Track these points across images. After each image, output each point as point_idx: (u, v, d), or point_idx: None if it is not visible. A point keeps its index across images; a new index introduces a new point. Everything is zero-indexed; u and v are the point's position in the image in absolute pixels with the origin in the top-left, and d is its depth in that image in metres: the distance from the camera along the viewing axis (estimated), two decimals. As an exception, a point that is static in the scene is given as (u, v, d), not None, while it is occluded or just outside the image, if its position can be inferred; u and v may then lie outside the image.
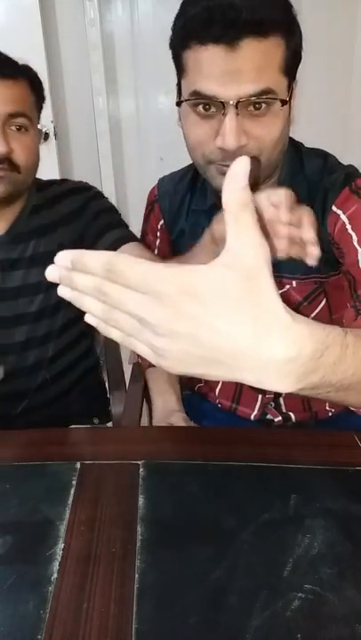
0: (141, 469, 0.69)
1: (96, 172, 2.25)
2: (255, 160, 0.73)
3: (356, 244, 0.76)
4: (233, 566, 0.54)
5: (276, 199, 0.60)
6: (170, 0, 0.71)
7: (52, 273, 0.41)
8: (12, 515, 0.63)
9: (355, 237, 0.76)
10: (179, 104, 0.75)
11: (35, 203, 0.98)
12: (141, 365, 1.14)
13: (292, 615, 0.49)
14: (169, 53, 0.75)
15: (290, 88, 0.73)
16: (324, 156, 0.85)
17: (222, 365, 0.38)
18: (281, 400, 0.97)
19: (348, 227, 0.77)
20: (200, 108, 0.71)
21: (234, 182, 0.36)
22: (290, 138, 0.82)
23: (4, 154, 0.86)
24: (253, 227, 0.36)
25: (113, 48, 2.13)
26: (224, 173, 0.75)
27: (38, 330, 1.01)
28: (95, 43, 2.06)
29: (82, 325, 1.07)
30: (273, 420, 0.99)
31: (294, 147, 0.86)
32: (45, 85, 0.95)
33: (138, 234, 1.03)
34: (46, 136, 1.93)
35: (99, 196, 1.05)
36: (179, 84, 0.76)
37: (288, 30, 0.69)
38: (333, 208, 0.79)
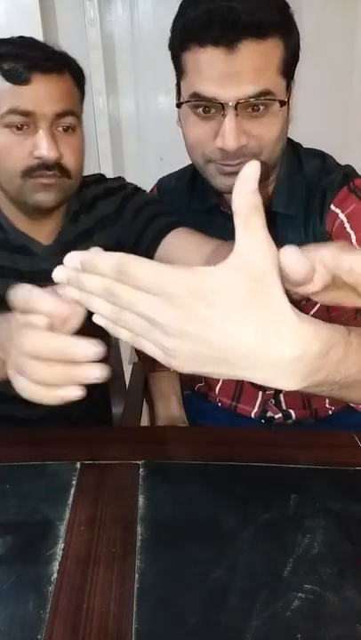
0: (141, 469, 0.69)
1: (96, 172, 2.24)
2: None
3: (354, 242, 0.76)
4: (233, 566, 0.54)
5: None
6: (170, 0, 0.71)
7: (59, 274, 0.41)
8: (11, 515, 0.63)
9: (353, 236, 0.77)
10: (179, 105, 0.76)
11: (75, 208, 0.89)
12: (141, 365, 1.14)
13: (292, 615, 0.49)
14: (169, 54, 0.75)
15: (288, 88, 0.73)
16: (322, 157, 0.86)
17: (230, 365, 0.38)
18: (281, 397, 0.97)
19: (347, 225, 0.77)
20: (200, 109, 0.71)
21: (245, 186, 0.36)
22: (288, 138, 0.83)
23: (55, 160, 0.75)
24: (262, 230, 0.36)
25: (113, 48, 2.13)
26: (223, 172, 0.76)
27: None
28: (95, 43, 2.05)
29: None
30: (273, 418, 0.99)
31: (292, 147, 0.86)
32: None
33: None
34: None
35: (137, 192, 0.95)
36: (178, 85, 0.76)
37: (286, 31, 0.69)
38: (332, 207, 0.80)
